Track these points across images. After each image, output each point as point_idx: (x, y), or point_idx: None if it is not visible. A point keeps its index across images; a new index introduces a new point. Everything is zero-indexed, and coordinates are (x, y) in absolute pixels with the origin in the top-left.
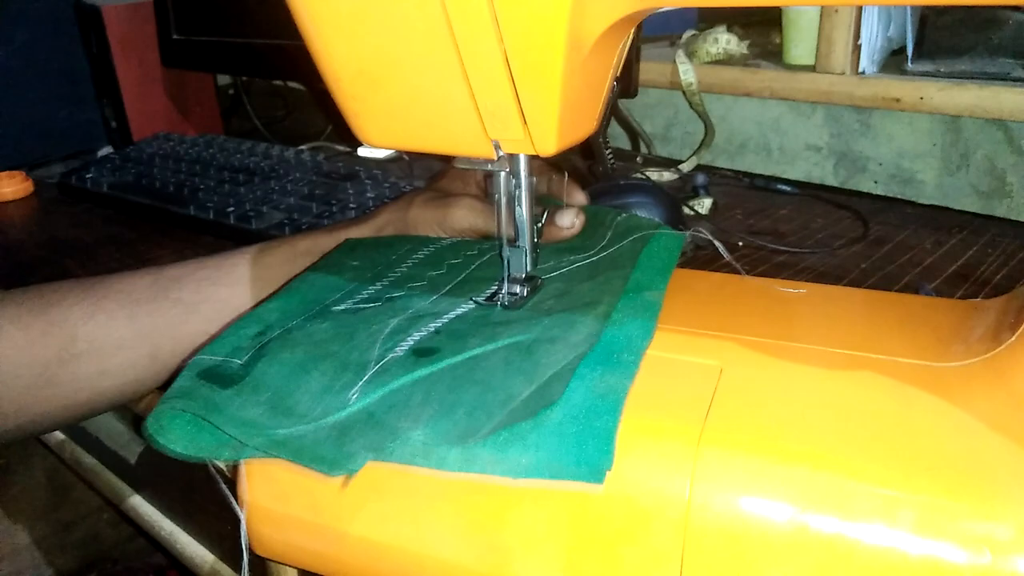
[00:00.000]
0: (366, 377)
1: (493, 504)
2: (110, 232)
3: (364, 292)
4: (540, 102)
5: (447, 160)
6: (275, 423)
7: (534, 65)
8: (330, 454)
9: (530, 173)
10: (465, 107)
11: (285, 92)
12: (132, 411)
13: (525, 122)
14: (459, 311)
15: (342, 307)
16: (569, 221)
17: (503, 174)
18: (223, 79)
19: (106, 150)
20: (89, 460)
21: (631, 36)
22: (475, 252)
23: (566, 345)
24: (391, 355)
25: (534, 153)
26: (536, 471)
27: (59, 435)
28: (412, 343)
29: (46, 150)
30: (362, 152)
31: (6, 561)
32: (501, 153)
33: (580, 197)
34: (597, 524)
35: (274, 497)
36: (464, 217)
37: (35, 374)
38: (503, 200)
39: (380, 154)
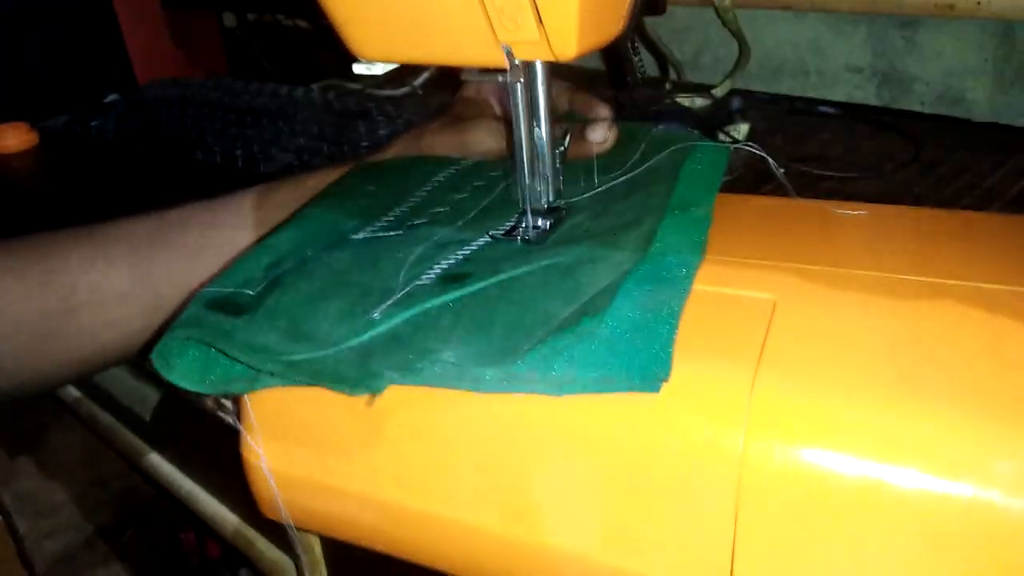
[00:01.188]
0: (392, 300)
1: (518, 459)
2: (116, 180)
3: (383, 219)
4: None
5: (459, 86)
6: (291, 348)
7: None
8: (352, 374)
9: (548, 84)
10: (471, 4)
11: (293, 31)
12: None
13: (540, 20)
14: (497, 232)
15: (361, 236)
16: (601, 135)
17: (517, 86)
18: (229, 22)
19: (112, 97)
20: (106, 418)
21: None
22: (500, 173)
23: (608, 264)
24: (418, 282)
25: (552, 58)
26: (584, 386)
27: (74, 392)
28: (440, 270)
29: (51, 100)
30: (357, 69)
31: (46, 518)
32: (514, 61)
33: (605, 112)
34: (638, 482)
35: (282, 459)
36: (483, 140)
37: (35, 327)
38: (520, 118)
39: (377, 69)
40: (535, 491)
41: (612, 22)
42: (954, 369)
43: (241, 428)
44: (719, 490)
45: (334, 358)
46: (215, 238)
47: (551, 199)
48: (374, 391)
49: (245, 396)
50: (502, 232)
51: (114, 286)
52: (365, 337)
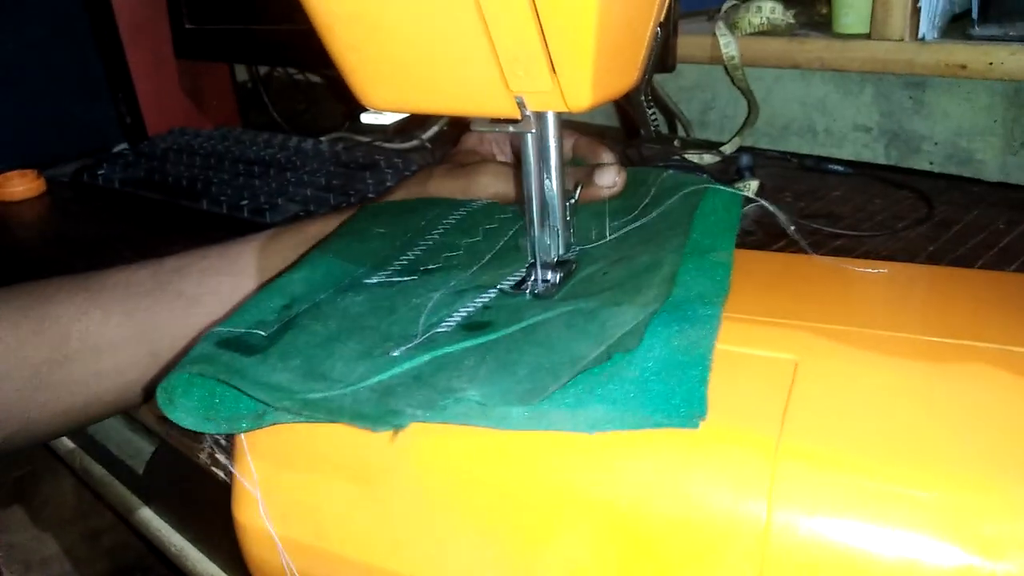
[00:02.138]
0: (413, 343)
1: (527, 527)
2: (121, 229)
3: (396, 263)
4: (571, 42)
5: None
6: (307, 387)
7: None
8: (372, 411)
9: (560, 137)
10: (482, 54)
11: (305, 86)
12: (142, 420)
13: (554, 70)
14: (505, 284)
15: (375, 280)
16: (610, 179)
17: (529, 137)
18: (241, 75)
19: (121, 147)
20: (98, 470)
21: None
22: (510, 215)
23: (633, 306)
24: (437, 330)
25: (565, 109)
26: (618, 423)
27: (68, 444)
28: (460, 318)
29: (61, 148)
30: (365, 119)
31: (36, 570)
32: (526, 112)
33: (610, 156)
34: (655, 555)
35: (276, 521)
36: (490, 184)
37: (25, 377)
38: (531, 169)
39: (386, 120)
40: (541, 563)
41: (626, 73)
42: (986, 436)
43: (241, 484)
44: (742, 564)
45: (352, 396)
46: (214, 285)
47: (561, 252)
48: (397, 427)
49: (248, 456)
50: (511, 286)
51: (108, 335)
52: (384, 376)
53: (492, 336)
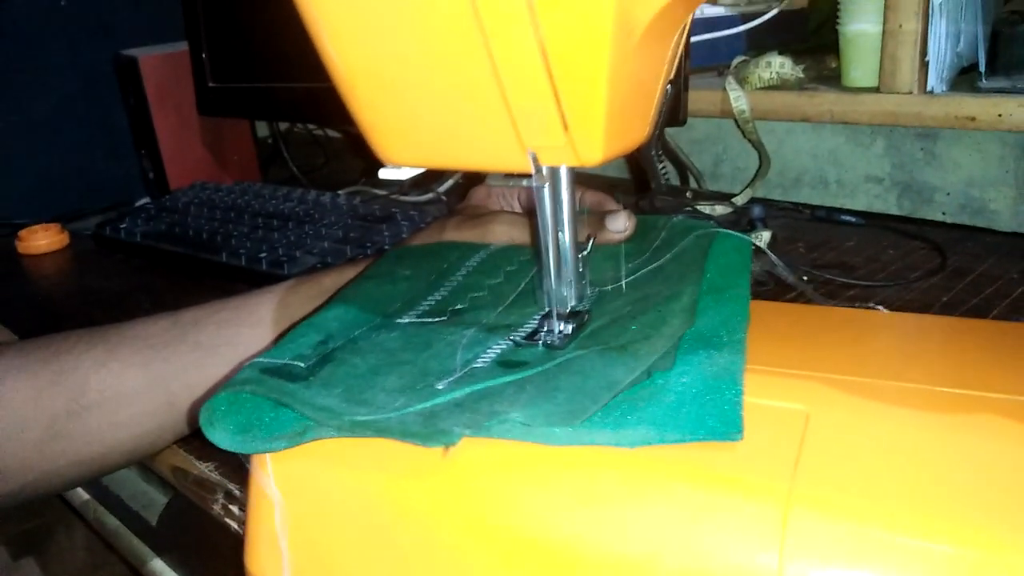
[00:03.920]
0: (454, 377)
1: None
2: (141, 282)
3: (424, 303)
4: (584, 99)
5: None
6: (353, 411)
7: (576, 53)
8: (420, 431)
9: (573, 190)
10: (496, 110)
11: (324, 141)
12: (157, 471)
13: (566, 125)
14: (518, 336)
15: (406, 320)
16: (622, 225)
17: (543, 191)
18: (262, 131)
19: (143, 201)
20: (112, 521)
21: (685, 29)
22: (528, 258)
23: (661, 337)
24: (474, 365)
25: (577, 163)
26: (655, 439)
27: (83, 495)
28: (495, 355)
29: (84, 203)
30: (383, 174)
31: None
32: (539, 166)
33: (616, 205)
34: None
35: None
36: (505, 232)
37: (42, 427)
38: (547, 223)
39: (403, 174)
40: None
41: (638, 128)
42: (997, 488)
43: (254, 534)
44: None
45: (399, 419)
46: (231, 336)
47: (574, 303)
48: (447, 444)
49: (277, 507)
50: (523, 337)
51: (126, 386)
52: (428, 404)
53: (529, 372)
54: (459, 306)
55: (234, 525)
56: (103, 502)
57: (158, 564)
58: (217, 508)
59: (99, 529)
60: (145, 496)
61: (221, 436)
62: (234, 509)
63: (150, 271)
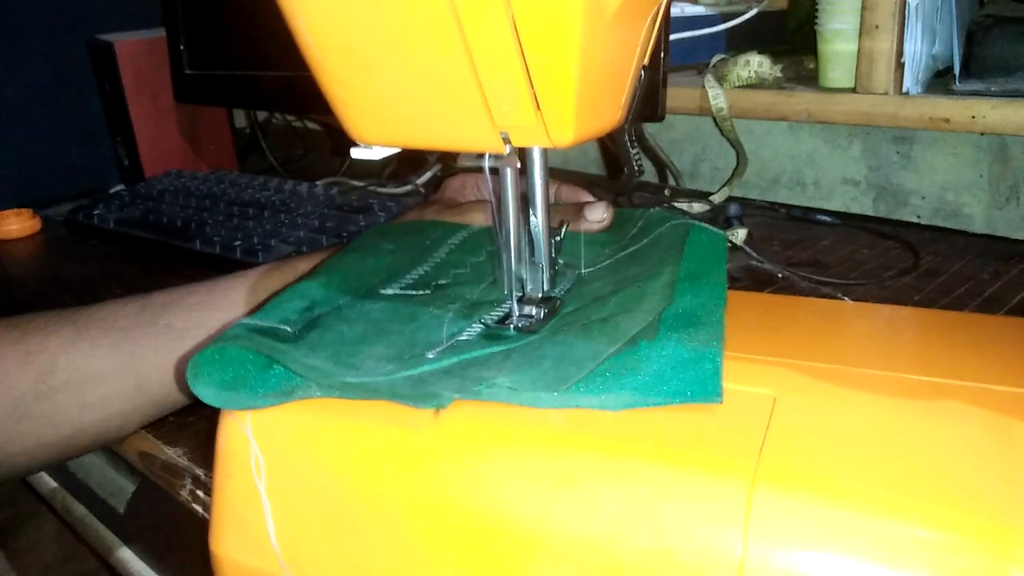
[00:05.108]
0: (442, 347)
1: (503, 560)
2: (113, 268)
3: (409, 276)
4: (555, 78)
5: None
6: (343, 373)
7: (548, 32)
8: (410, 393)
9: (545, 173)
10: (469, 89)
11: (303, 133)
12: (125, 457)
13: (538, 106)
14: (489, 320)
15: (391, 291)
16: (600, 214)
17: (508, 170)
18: (240, 121)
19: (118, 188)
20: (80, 509)
21: (659, 14)
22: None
23: (641, 311)
24: (460, 337)
25: (549, 145)
26: (638, 403)
27: (51, 483)
28: (480, 329)
29: (58, 188)
30: (355, 153)
31: None
32: (511, 147)
33: (589, 198)
34: None
35: (247, 550)
36: (484, 220)
37: (7, 408)
38: (508, 203)
39: (375, 154)
40: None
41: (610, 112)
42: (958, 472)
43: (218, 515)
44: None
45: (389, 382)
46: (203, 320)
47: (546, 288)
48: (437, 406)
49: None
50: (495, 321)
51: (95, 367)
52: (417, 371)
53: (515, 344)
54: (442, 281)
55: (200, 510)
56: (70, 489)
57: (125, 553)
58: (184, 494)
59: (67, 518)
60: (113, 484)
61: (206, 391)
62: (201, 495)
63: (123, 258)
